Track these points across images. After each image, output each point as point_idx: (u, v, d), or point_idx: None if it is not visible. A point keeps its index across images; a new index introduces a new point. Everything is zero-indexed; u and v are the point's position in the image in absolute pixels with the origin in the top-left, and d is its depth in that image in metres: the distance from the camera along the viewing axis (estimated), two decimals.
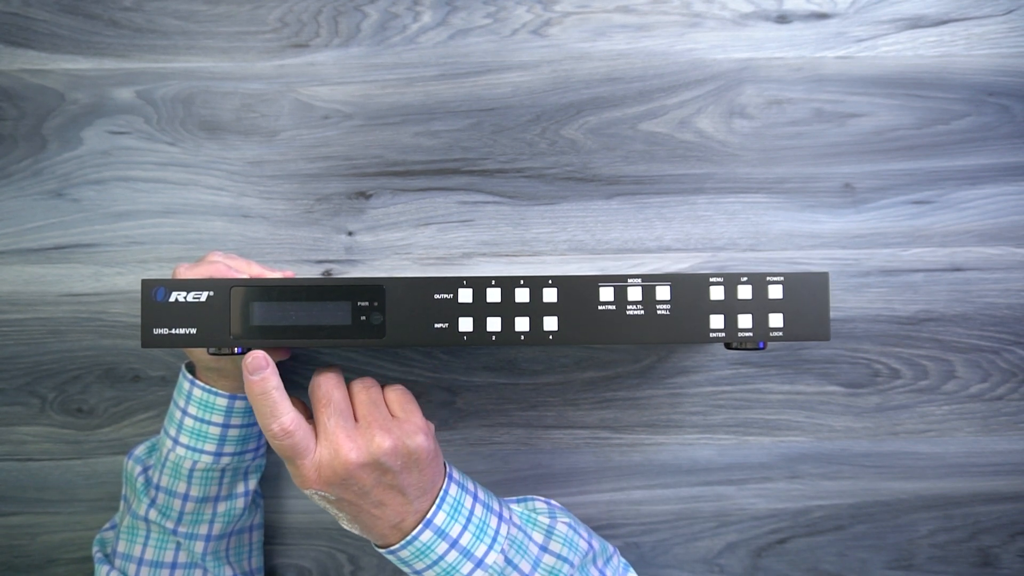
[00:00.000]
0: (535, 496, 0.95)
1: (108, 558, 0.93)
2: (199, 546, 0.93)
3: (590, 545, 0.87)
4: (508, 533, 0.83)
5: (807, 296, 0.78)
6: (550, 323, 0.78)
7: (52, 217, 1.03)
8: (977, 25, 1.04)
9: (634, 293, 0.78)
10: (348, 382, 0.82)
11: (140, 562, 0.91)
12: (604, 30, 1.04)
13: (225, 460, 0.92)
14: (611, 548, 0.91)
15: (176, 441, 0.91)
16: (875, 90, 1.04)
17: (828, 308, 0.78)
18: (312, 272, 1.04)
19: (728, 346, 0.79)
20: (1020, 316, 1.05)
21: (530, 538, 0.85)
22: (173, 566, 0.92)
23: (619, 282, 0.78)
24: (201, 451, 0.91)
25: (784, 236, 1.04)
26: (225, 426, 0.91)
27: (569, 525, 0.88)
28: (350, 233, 1.04)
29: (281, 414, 0.75)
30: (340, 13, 1.03)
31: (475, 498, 0.84)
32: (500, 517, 0.84)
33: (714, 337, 0.78)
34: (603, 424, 1.05)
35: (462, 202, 1.04)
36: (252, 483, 0.98)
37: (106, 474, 1.05)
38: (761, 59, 1.04)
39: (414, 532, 0.78)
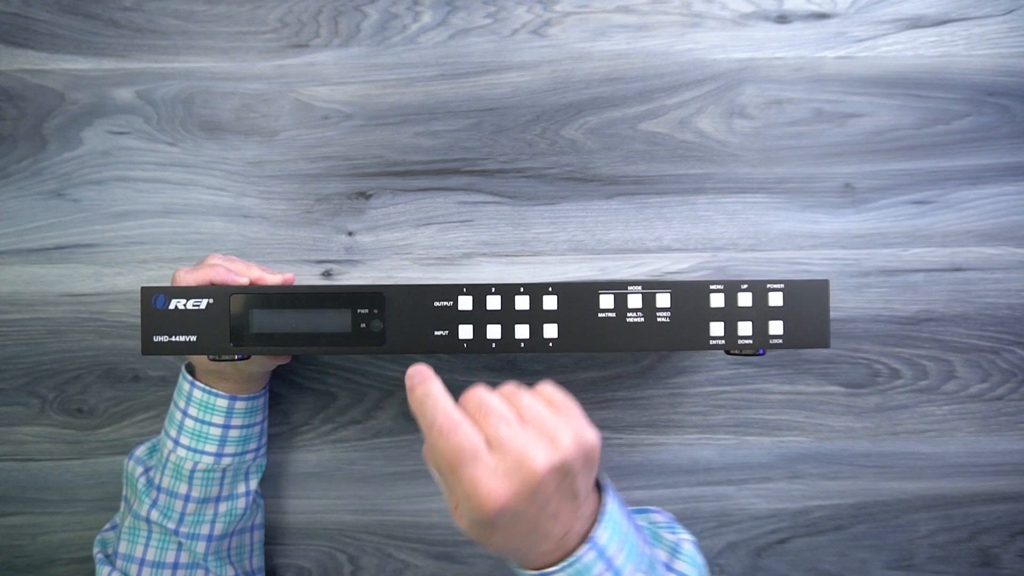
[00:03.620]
0: (651, 508, 0.89)
1: (109, 559, 0.93)
2: (200, 546, 0.93)
3: (704, 562, 0.80)
4: (642, 551, 0.73)
5: (807, 303, 0.78)
6: (550, 330, 0.78)
7: (52, 217, 1.03)
8: (977, 25, 1.04)
9: (634, 300, 0.78)
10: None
11: (142, 563, 0.91)
12: (604, 30, 1.04)
13: (226, 461, 0.92)
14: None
15: (177, 442, 0.91)
16: (875, 90, 1.04)
17: (828, 315, 0.78)
18: (312, 272, 1.04)
19: (728, 352, 0.79)
20: (1020, 316, 1.05)
21: (656, 558, 0.75)
22: (175, 566, 0.93)
23: (619, 289, 0.78)
24: (202, 452, 0.91)
25: (784, 236, 1.04)
26: (226, 427, 0.91)
27: (693, 543, 0.80)
28: (350, 233, 1.04)
29: (450, 404, 0.67)
30: (340, 13, 1.03)
31: (625, 514, 0.74)
32: (636, 529, 0.75)
33: (714, 344, 0.78)
34: (603, 424, 1.05)
35: (462, 202, 1.04)
36: (253, 483, 0.98)
37: (106, 474, 1.05)
38: (761, 59, 1.04)
39: (577, 552, 0.68)
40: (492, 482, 0.64)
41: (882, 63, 1.04)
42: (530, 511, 0.65)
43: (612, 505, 0.71)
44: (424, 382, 0.69)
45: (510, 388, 0.71)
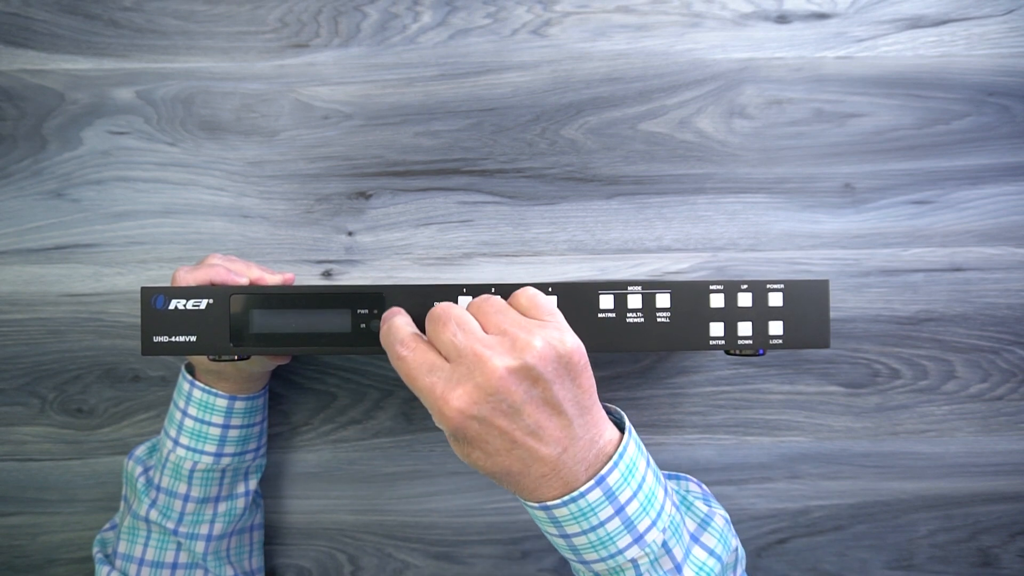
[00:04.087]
0: (687, 475, 0.88)
1: (109, 558, 0.93)
2: (200, 546, 0.93)
3: (738, 549, 0.77)
4: (670, 512, 0.71)
5: (807, 304, 0.78)
6: None
7: (52, 217, 1.03)
8: (977, 25, 1.04)
9: (634, 301, 0.78)
10: None
11: (141, 562, 0.91)
12: (604, 30, 1.04)
13: (225, 460, 0.92)
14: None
15: (176, 442, 0.91)
16: (875, 90, 1.04)
17: (828, 316, 0.78)
18: (312, 272, 1.04)
19: (728, 352, 0.79)
20: (1020, 316, 1.05)
21: (684, 525, 0.73)
22: (174, 566, 0.93)
23: (619, 289, 0.78)
24: (201, 452, 0.91)
25: (784, 236, 1.04)
26: (225, 427, 0.91)
27: (726, 520, 0.78)
28: (350, 233, 1.04)
29: (411, 328, 0.69)
30: (340, 13, 1.03)
31: (648, 462, 0.71)
32: (666, 491, 0.72)
33: (714, 345, 0.78)
34: None
35: (462, 202, 1.04)
36: (252, 483, 0.98)
37: (106, 474, 1.05)
38: (761, 59, 1.04)
39: (582, 488, 0.66)
40: (447, 388, 0.64)
41: (882, 63, 1.04)
42: (498, 420, 0.64)
43: (631, 448, 0.69)
44: (388, 318, 0.71)
45: (481, 297, 0.70)
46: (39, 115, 1.02)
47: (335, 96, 1.03)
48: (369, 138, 1.04)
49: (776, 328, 0.78)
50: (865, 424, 1.06)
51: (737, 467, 1.06)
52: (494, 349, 0.64)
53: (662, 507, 0.69)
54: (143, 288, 0.77)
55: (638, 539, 0.67)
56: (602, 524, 0.66)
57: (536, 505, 0.68)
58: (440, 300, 0.77)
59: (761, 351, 0.78)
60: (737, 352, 0.79)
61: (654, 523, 0.68)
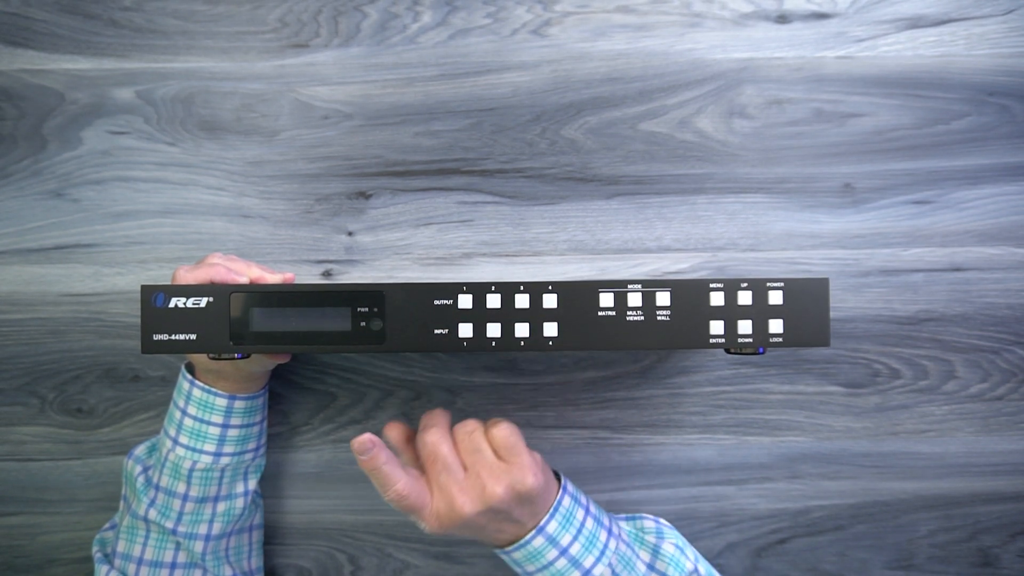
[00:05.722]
0: (644, 515, 0.96)
1: (108, 558, 0.94)
2: (198, 546, 0.93)
3: (696, 567, 0.89)
4: (616, 548, 0.86)
5: (807, 302, 0.78)
6: (550, 329, 0.78)
7: (52, 217, 1.03)
8: (977, 25, 1.04)
9: (634, 299, 0.78)
10: (452, 427, 0.87)
11: (140, 562, 0.91)
12: (604, 30, 1.04)
13: (224, 460, 0.92)
14: None
15: (176, 441, 0.91)
16: (875, 90, 1.04)
17: (828, 314, 0.78)
18: (312, 272, 1.04)
19: (728, 351, 0.79)
20: (1020, 316, 1.05)
21: (637, 556, 0.88)
22: (172, 566, 0.93)
23: (619, 287, 0.78)
24: (200, 451, 0.91)
25: (784, 236, 1.04)
26: (224, 426, 0.91)
27: (676, 546, 0.90)
28: (350, 233, 1.04)
29: (394, 482, 0.81)
30: (340, 13, 1.03)
31: (587, 511, 0.88)
32: (609, 532, 0.88)
33: (714, 343, 0.78)
34: (603, 424, 1.06)
35: (462, 202, 1.04)
36: (252, 483, 0.98)
37: (106, 474, 1.05)
38: (761, 59, 1.04)
39: (526, 537, 0.83)
40: (431, 520, 0.83)
41: (882, 63, 1.04)
42: (467, 533, 0.84)
43: (567, 501, 0.87)
44: (372, 459, 0.81)
45: (468, 428, 0.86)
46: (39, 115, 1.02)
47: (335, 96, 1.04)
48: (369, 138, 1.04)
49: (776, 326, 0.78)
50: (865, 424, 1.06)
51: (737, 467, 1.06)
52: (466, 495, 0.81)
53: (605, 545, 0.86)
54: (143, 286, 0.77)
55: (586, 573, 0.84)
56: (552, 563, 0.84)
57: (498, 551, 0.87)
58: (441, 299, 0.78)
59: (761, 349, 0.78)
60: (737, 351, 0.79)
61: (599, 559, 0.85)
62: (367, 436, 0.80)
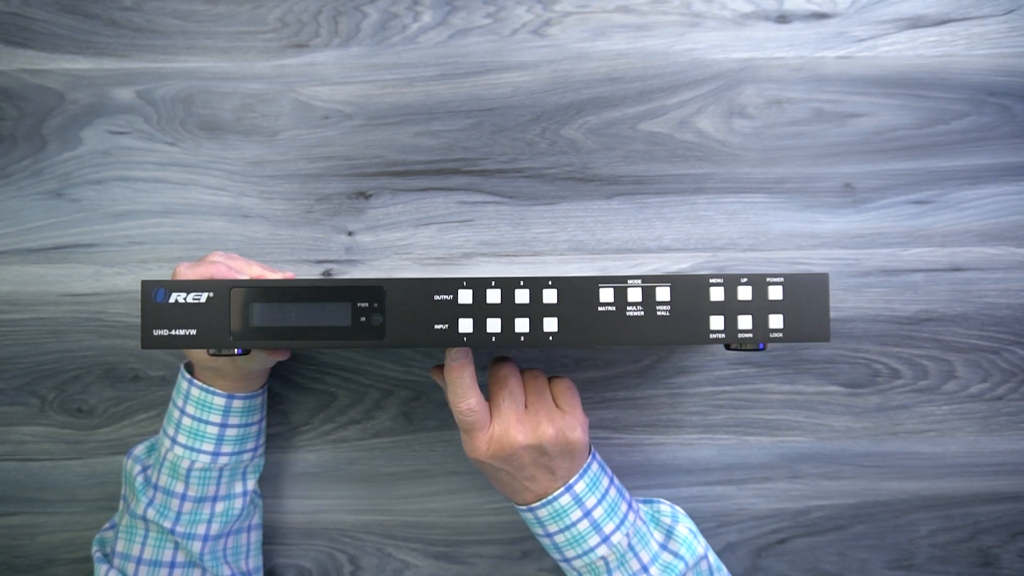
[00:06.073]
0: (662, 500, 0.99)
1: (107, 557, 0.94)
2: (197, 546, 0.93)
3: (706, 554, 0.93)
4: (634, 522, 0.91)
5: (807, 297, 0.78)
6: (550, 324, 0.78)
7: (52, 217, 1.03)
8: (977, 25, 1.04)
9: (634, 294, 0.77)
10: (521, 371, 0.91)
11: (139, 561, 0.91)
12: (604, 30, 1.04)
13: (223, 460, 0.92)
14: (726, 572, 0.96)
15: (174, 440, 0.91)
16: (875, 90, 1.04)
17: (828, 309, 0.78)
18: (312, 272, 1.04)
19: (728, 347, 0.79)
20: (1020, 316, 1.05)
21: (651, 534, 0.92)
22: (171, 565, 0.92)
23: (619, 283, 0.78)
24: (199, 450, 0.91)
25: (784, 236, 1.04)
26: (223, 425, 0.91)
27: (690, 530, 0.94)
28: (350, 233, 1.04)
29: (471, 395, 0.85)
30: (340, 13, 1.03)
31: (611, 481, 0.92)
32: (629, 505, 0.92)
33: (714, 338, 0.78)
34: (603, 424, 1.06)
35: (462, 202, 1.04)
36: (250, 483, 0.97)
37: (106, 474, 1.05)
38: (761, 59, 1.04)
39: (555, 493, 0.88)
40: (482, 443, 0.87)
41: (882, 63, 1.04)
42: (507, 468, 0.87)
43: (595, 467, 0.91)
44: (462, 367, 0.85)
45: (535, 374, 0.91)
46: (39, 115, 1.03)
47: (335, 96, 1.04)
48: (369, 138, 1.04)
49: (776, 321, 0.77)
50: (865, 424, 1.06)
51: (737, 467, 1.06)
52: (523, 425, 0.86)
53: (624, 516, 0.90)
54: (143, 281, 0.77)
55: (605, 539, 0.88)
56: (575, 524, 0.88)
57: (523, 508, 0.91)
58: (441, 294, 0.77)
59: (761, 345, 0.78)
60: (737, 346, 0.79)
61: (618, 527, 0.89)
62: (466, 348, 0.85)
